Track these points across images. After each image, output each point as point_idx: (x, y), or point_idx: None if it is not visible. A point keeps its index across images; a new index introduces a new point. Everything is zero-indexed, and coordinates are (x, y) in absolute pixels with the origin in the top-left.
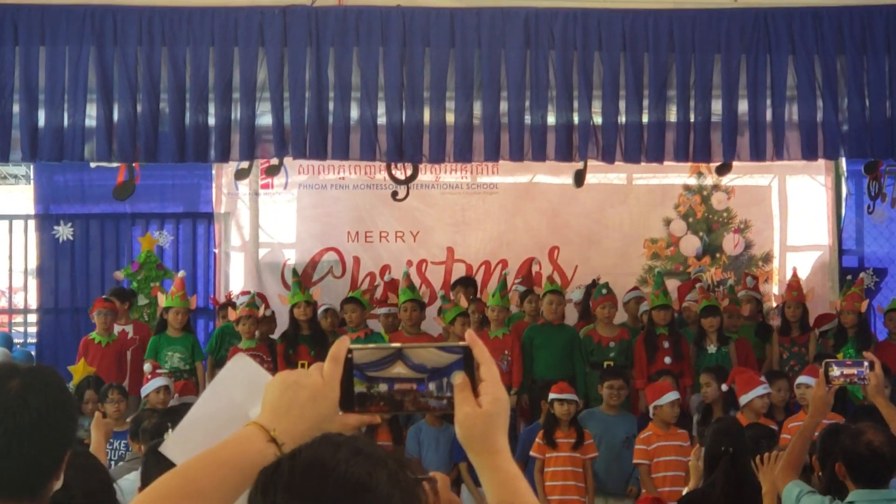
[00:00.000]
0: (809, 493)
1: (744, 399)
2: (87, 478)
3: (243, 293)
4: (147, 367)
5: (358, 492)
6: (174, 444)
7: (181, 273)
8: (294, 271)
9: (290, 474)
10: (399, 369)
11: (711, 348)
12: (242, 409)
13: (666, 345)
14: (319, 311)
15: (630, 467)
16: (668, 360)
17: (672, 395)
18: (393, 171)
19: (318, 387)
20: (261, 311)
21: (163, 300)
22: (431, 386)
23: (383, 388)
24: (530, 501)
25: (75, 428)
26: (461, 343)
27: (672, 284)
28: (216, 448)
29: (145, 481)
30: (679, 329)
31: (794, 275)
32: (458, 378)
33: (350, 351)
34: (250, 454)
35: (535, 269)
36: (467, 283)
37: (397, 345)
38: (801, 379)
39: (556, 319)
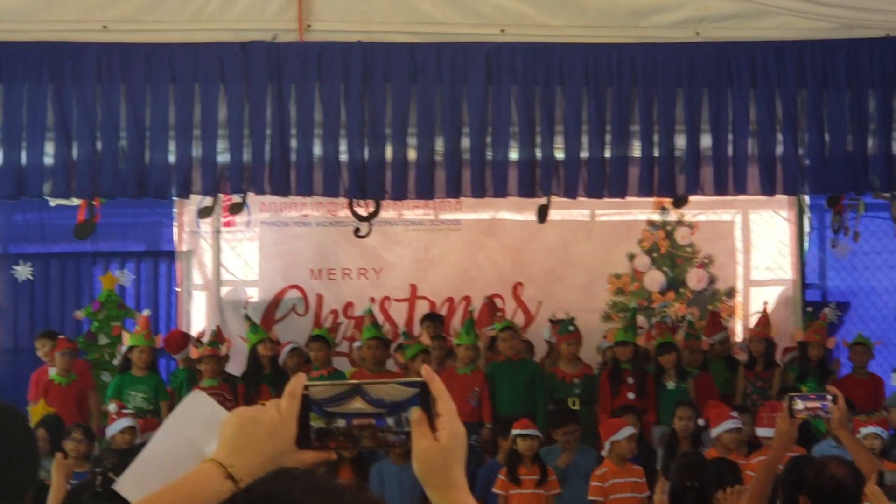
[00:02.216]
0: None
1: (714, 432)
2: None
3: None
4: (112, 406)
5: None
6: (129, 482)
7: (146, 312)
8: (247, 316)
9: None
10: (357, 404)
11: (670, 384)
12: (199, 445)
13: (630, 380)
14: (285, 350)
15: None
16: (631, 395)
17: (628, 430)
18: (355, 209)
19: (276, 423)
20: (223, 350)
21: (127, 339)
22: (390, 421)
23: (342, 423)
24: None
25: (38, 467)
26: (418, 378)
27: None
28: (173, 485)
29: None
30: (644, 365)
31: (765, 310)
32: (416, 413)
33: (307, 387)
34: (207, 491)
35: (498, 304)
36: (435, 318)
37: (355, 381)
38: (760, 432)
39: (514, 355)
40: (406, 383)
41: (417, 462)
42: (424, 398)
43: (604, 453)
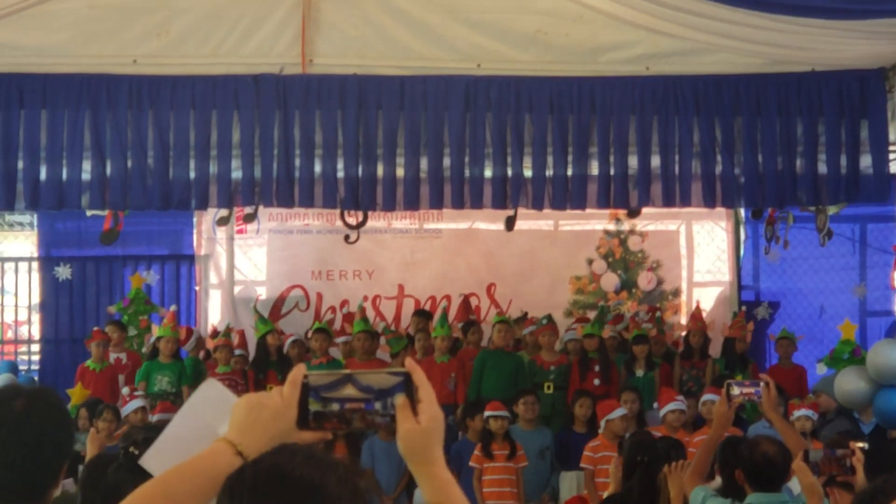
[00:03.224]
0: (713, 497)
1: (661, 412)
2: None
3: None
4: (125, 390)
5: (311, 492)
6: (153, 458)
7: (172, 308)
8: (255, 309)
9: (253, 478)
10: (349, 391)
11: (639, 372)
12: (212, 426)
13: (596, 368)
14: (289, 341)
15: (546, 477)
16: (596, 381)
17: (621, 411)
18: (346, 218)
19: (278, 407)
20: (235, 342)
21: (156, 331)
22: (377, 405)
23: (336, 407)
24: (462, 502)
25: (72, 442)
26: (402, 369)
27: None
28: (190, 461)
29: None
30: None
31: (698, 307)
32: (400, 399)
33: (306, 376)
34: (220, 466)
35: (473, 303)
36: (422, 314)
37: (347, 370)
38: (707, 396)
39: (506, 346)
40: (392, 373)
41: (401, 441)
42: (408, 386)
43: (600, 430)
